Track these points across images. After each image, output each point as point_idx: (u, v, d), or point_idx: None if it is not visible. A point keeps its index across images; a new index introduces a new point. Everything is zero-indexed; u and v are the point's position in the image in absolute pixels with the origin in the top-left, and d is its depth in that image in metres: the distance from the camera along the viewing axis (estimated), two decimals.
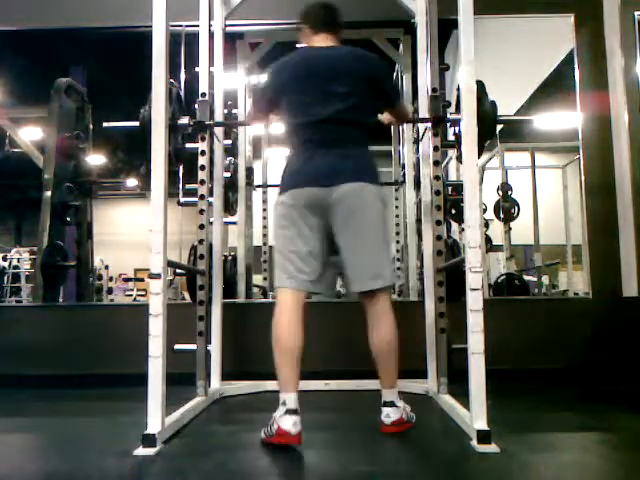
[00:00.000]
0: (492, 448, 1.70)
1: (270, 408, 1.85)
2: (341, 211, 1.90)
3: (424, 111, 2.84)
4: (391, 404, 1.95)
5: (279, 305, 1.93)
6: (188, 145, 2.75)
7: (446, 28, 2.95)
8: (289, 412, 1.77)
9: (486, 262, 4.43)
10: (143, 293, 6.52)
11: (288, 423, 1.75)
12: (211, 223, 2.77)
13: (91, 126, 4.71)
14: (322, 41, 2.05)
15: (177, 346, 2.54)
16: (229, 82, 3.54)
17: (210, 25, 2.86)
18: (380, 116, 2.42)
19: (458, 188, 4.06)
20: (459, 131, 2.64)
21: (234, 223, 3.87)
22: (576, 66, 3.51)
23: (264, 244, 4.20)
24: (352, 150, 1.95)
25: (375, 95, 2.02)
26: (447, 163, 4.39)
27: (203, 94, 2.76)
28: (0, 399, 2.90)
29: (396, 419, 1.94)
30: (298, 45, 2.24)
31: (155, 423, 1.79)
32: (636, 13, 3.41)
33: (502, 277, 4.42)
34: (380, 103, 2.14)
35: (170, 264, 2.00)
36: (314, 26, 2.06)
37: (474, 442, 1.75)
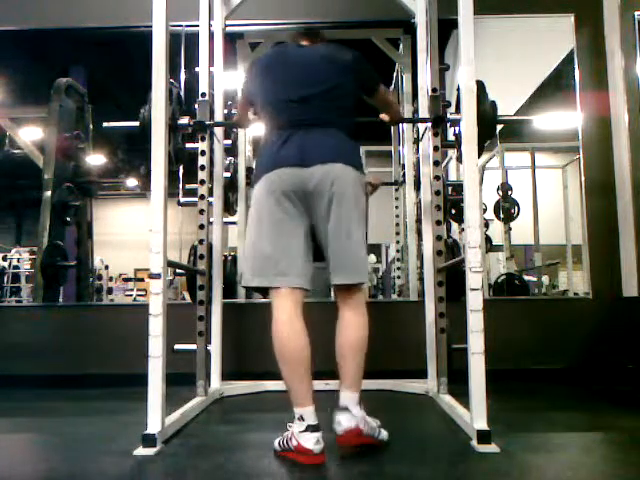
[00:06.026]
0: (492, 448, 1.70)
1: (270, 408, 1.85)
2: (321, 198, 1.77)
3: (424, 111, 2.84)
4: (344, 409, 1.68)
5: (276, 310, 1.77)
6: (188, 145, 2.75)
7: (446, 28, 2.94)
8: (310, 428, 1.64)
9: (486, 262, 4.42)
10: (143, 293, 6.51)
11: (310, 441, 1.62)
12: (211, 223, 2.78)
13: (91, 126, 4.71)
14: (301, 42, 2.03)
15: (177, 346, 2.55)
16: (229, 82, 3.54)
17: (210, 25, 2.86)
18: (381, 115, 2.42)
19: (458, 188, 4.05)
20: (459, 131, 2.64)
21: (234, 223, 3.87)
22: (576, 66, 3.52)
23: None
24: (332, 132, 1.84)
25: (355, 84, 1.94)
26: (447, 163, 4.38)
27: (203, 94, 2.76)
28: (0, 399, 2.90)
29: (349, 427, 1.66)
30: None
31: (155, 423, 1.79)
32: (636, 13, 3.42)
33: (502, 277, 4.41)
34: (360, 92, 2.02)
35: (170, 264, 2.00)
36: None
37: (474, 442, 1.75)
